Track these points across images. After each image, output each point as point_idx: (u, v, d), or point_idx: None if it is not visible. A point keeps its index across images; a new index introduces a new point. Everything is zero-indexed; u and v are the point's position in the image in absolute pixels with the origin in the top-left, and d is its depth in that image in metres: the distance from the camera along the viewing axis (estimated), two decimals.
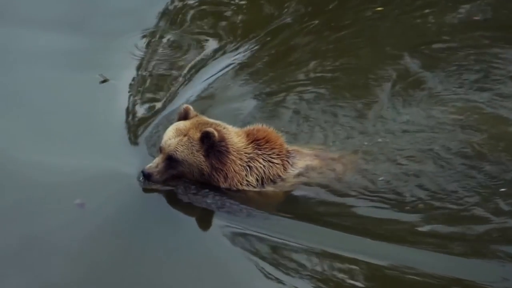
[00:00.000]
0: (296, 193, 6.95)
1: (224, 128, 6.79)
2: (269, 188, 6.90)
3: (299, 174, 6.95)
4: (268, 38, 9.59)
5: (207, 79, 8.74)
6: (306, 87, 8.50)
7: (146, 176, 6.65)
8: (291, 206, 6.88)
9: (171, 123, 6.95)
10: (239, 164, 6.74)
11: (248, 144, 6.84)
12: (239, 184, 6.80)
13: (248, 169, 6.79)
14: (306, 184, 6.96)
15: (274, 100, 8.30)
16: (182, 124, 6.73)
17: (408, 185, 7.01)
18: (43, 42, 9.27)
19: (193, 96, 8.36)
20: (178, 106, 7.11)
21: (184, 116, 6.85)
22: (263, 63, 9.12)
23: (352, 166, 7.12)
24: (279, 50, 9.38)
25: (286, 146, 7.04)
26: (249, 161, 6.79)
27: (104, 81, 8.62)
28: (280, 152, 6.94)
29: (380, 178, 7.05)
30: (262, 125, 7.06)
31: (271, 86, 8.62)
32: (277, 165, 6.88)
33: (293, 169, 6.94)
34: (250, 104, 8.26)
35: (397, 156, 7.28)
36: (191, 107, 6.87)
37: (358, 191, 6.99)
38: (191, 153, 6.63)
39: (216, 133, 6.59)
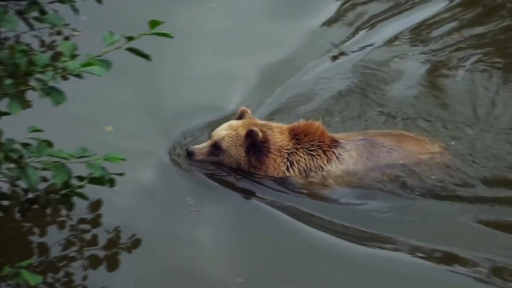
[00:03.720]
0: (340, 186, 7.12)
1: (269, 129, 7.27)
2: (313, 179, 7.20)
3: (343, 165, 7.19)
4: None
5: None
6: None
7: (189, 154, 7.24)
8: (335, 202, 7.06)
9: None
10: (279, 161, 7.21)
11: (290, 140, 7.26)
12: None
13: (289, 164, 7.22)
14: (350, 177, 7.15)
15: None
16: (235, 122, 7.38)
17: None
18: None
19: None
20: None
21: (239, 117, 7.47)
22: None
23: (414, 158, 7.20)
24: None
25: (329, 136, 7.28)
26: (289, 156, 7.22)
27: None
28: (321, 142, 7.22)
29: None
30: (308, 120, 7.39)
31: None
32: (318, 157, 7.20)
33: (338, 160, 7.20)
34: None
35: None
36: (248, 110, 7.45)
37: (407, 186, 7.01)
38: (235, 146, 7.19)
39: (260, 133, 7.15)
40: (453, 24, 9.52)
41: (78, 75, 4.54)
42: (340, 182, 7.11)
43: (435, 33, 9.38)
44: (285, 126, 7.35)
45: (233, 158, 7.17)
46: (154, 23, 4.62)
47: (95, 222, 6.44)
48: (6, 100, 4.55)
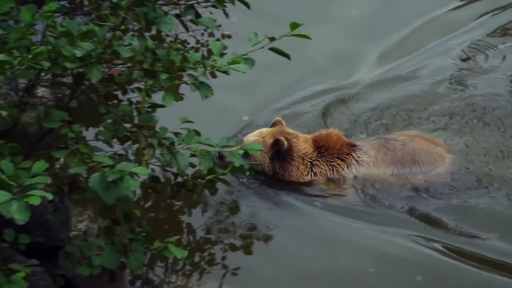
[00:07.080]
0: (360, 188, 7.39)
1: (295, 137, 7.52)
2: (333, 187, 7.48)
3: (362, 169, 7.47)
4: None
5: None
6: None
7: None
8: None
9: None
10: (302, 169, 7.47)
11: (313, 150, 7.51)
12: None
13: (313, 175, 7.49)
14: (368, 178, 7.44)
15: None
16: (265, 130, 7.66)
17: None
18: None
19: None
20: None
21: (272, 125, 7.71)
22: None
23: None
24: None
25: (347, 142, 7.54)
26: (312, 166, 7.48)
27: None
28: (341, 152, 7.48)
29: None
30: (328, 129, 7.63)
31: None
32: (337, 166, 7.47)
33: (357, 165, 7.46)
34: None
35: None
36: (282, 121, 7.65)
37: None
38: (261, 153, 7.37)
39: (285, 142, 7.40)
40: None
41: (225, 72, 4.94)
42: (359, 179, 7.42)
43: None
44: (309, 136, 7.63)
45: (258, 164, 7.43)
46: (294, 25, 4.98)
47: (233, 209, 7.02)
48: (161, 93, 5.03)
